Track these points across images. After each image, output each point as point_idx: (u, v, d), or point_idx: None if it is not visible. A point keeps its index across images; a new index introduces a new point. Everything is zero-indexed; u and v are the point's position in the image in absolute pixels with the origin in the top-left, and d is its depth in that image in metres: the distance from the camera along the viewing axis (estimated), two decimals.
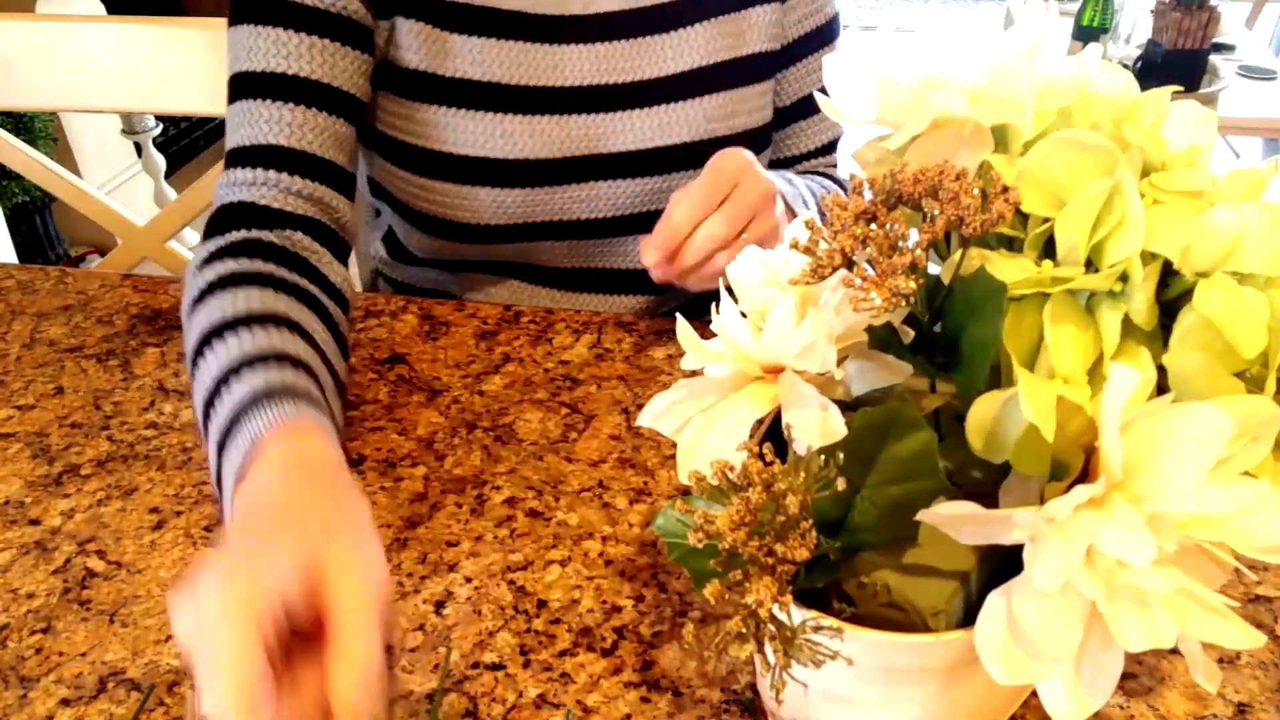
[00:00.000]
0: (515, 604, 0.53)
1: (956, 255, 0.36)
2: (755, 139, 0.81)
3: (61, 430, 0.66)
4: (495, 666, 0.49)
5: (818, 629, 0.34)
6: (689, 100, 0.77)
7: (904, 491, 0.35)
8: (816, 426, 0.36)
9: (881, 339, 0.39)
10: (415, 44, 0.72)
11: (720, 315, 0.40)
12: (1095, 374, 0.35)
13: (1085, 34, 2.33)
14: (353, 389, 0.69)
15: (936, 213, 0.34)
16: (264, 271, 0.61)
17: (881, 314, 0.38)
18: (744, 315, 0.40)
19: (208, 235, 0.66)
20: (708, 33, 0.77)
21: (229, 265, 0.61)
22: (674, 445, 0.63)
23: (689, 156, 0.78)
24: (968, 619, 0.37)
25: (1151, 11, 2.22)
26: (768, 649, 0.32)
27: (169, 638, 0.51)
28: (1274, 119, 2.21)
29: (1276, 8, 2.97)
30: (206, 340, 0.55)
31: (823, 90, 0.90)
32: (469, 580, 0.54)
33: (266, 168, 0.67)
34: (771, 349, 0.38)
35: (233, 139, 0.69)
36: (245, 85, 0.69)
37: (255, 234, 0.65)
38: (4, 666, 0.50)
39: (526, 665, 0.49)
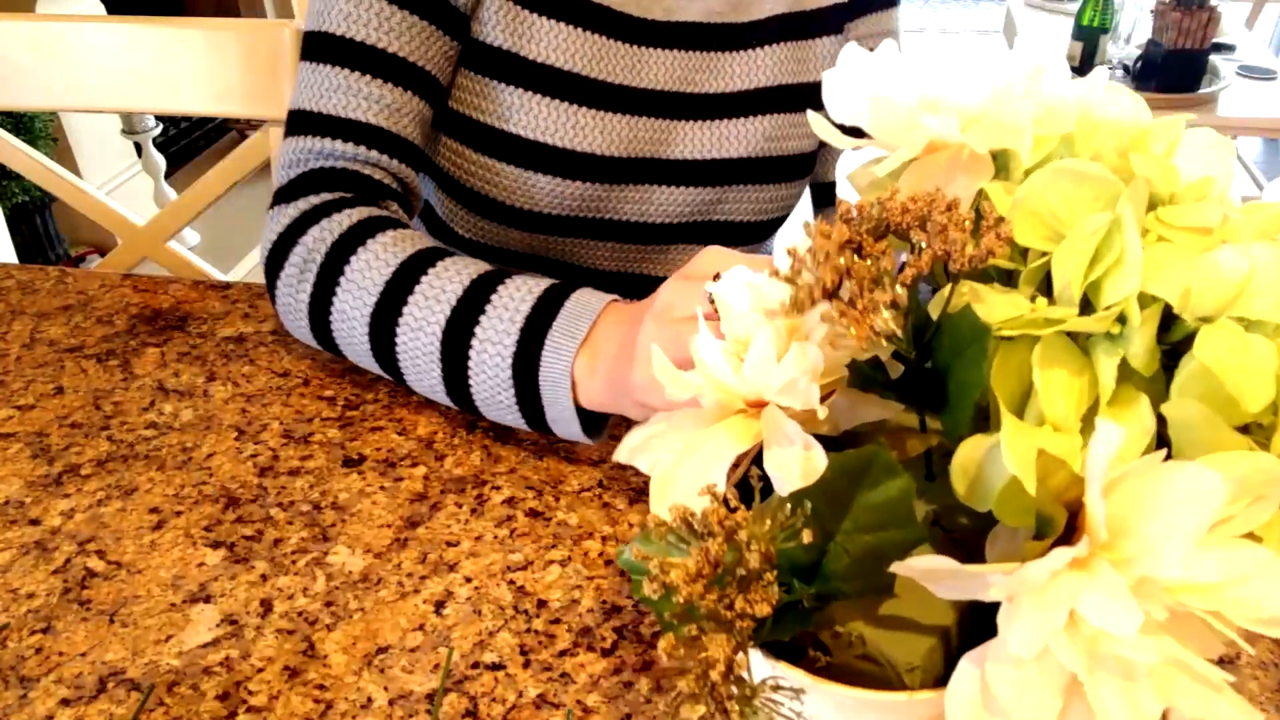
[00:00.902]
0: (515, 604, 0.53)
1: (945, 290, 0.34)
2: (803, 163, 0.84)
3: (61, 430, 0.66)
4: (495, 666, 0.49)
5: (777, 689, 0.31)
6: (750, 118, 0.79)
7: (879, 540, 0.33)
8: (799, 467, 0.33)
9: (864, 376, 0.37)
10: (499, 20, 0.72)
11: (698, 345, 0.37)
12: (1091, 420, 0.33)
13: (1085, 34, 2.34)
14: (353, 389, 0.69)
15: (924, 246, 0.32)
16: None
17: (861, 351, 0.36)
18: (724, 344, 0.38)
19: (300, 191, 0.68)
20: (776, 56, 0.79)
21: (370, 211, 0.66)
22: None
23: (742, 171, 0.80)
24: (948, 675, 0.35)
25: (1151, 11, 2.23)
26: (729, 708, 0.30)
27: (169, 637, 0.51)
28: (1274, 119, 2.21)
29: (1276, 8, 2.97)
30: (430, 258, 0.62)
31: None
32: (469, 580, 0.54)
33: (369, 147, 0.69)
34: (752, 383, 0.36)
35: (323, 103, 0.69)
36: (342, 51, 0.68)
37: (359, 198, 0.68)
38: (4, 666, 0.50)
39: (526, 665, 0.49)
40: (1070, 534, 0.31)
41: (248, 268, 2.62)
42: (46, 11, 2.21)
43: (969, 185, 0.37)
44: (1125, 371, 0.33)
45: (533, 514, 0.59)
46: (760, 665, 0.34)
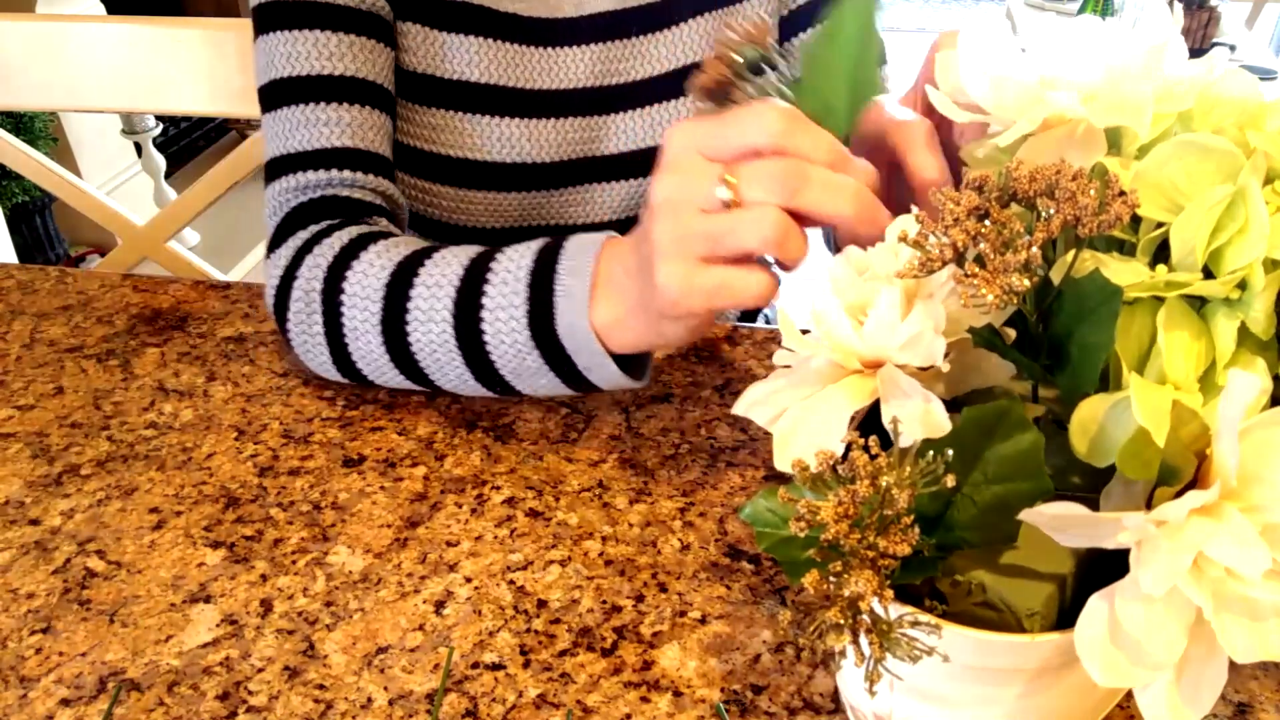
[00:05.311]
0: (515, 604, 0.53)
1: (1069, 256, 0.36)
2: None
3: (61, 430, 0.66)
4: (495, 666, 0.49)
5: (915, 624, 0.34)
6: (681, 99, 0.77)
7: (1007, 491, 0.35)
8: (920, 420, 0.35)
9: (985, 339, 0.38)
10: (413, 46, 0.72)
11: (819, 307, 0.39)
12: (1206, 382, 0.35)
13: None
14: (353, 389, 0.69)
15: (1052, 212, 0.33)
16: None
17: (992, 311, 0.38)
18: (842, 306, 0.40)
19: (287, 233, 0.67)
20: (701, 28, 0.77)
21: (355, 230, 0.65)
22: (674, 446, 0.63)
23: None
24: (1059, 622, 0.38)
25: None
26: (863, 641, 0.32)
27: (169, 637, 0.51)
28: None
29: (1276, 8, 2.97)
30: (422, 256, 0.61)
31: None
32: (469, 580, 0.54)
33: (340, 168, 0.68)
34: (875, 341, 0.38)
35: (289, 144, 0.68)
36: (292, 90, 0.68)
37: (344, 221, 0.67)
38: (4, 666, 0.50)
39: (526, 665, 0.49)
40: (1189, 487, 0.33)
41: (248, 268, 2.63)
42: (46, 11, 2.21)
43: (1083, 160, 0.39)
44: (1241, 337, 0.35)
45: (533, 514, 0.59)
46: (890, 609, 0.36)
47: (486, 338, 0.58)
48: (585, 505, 0.59)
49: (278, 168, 0.69)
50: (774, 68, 0.48)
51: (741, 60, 0.48)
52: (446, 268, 0.59)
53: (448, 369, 0.60)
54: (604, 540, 0.57)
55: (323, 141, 0.68)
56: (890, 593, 0.32)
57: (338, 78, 0.68)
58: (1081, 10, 2.40)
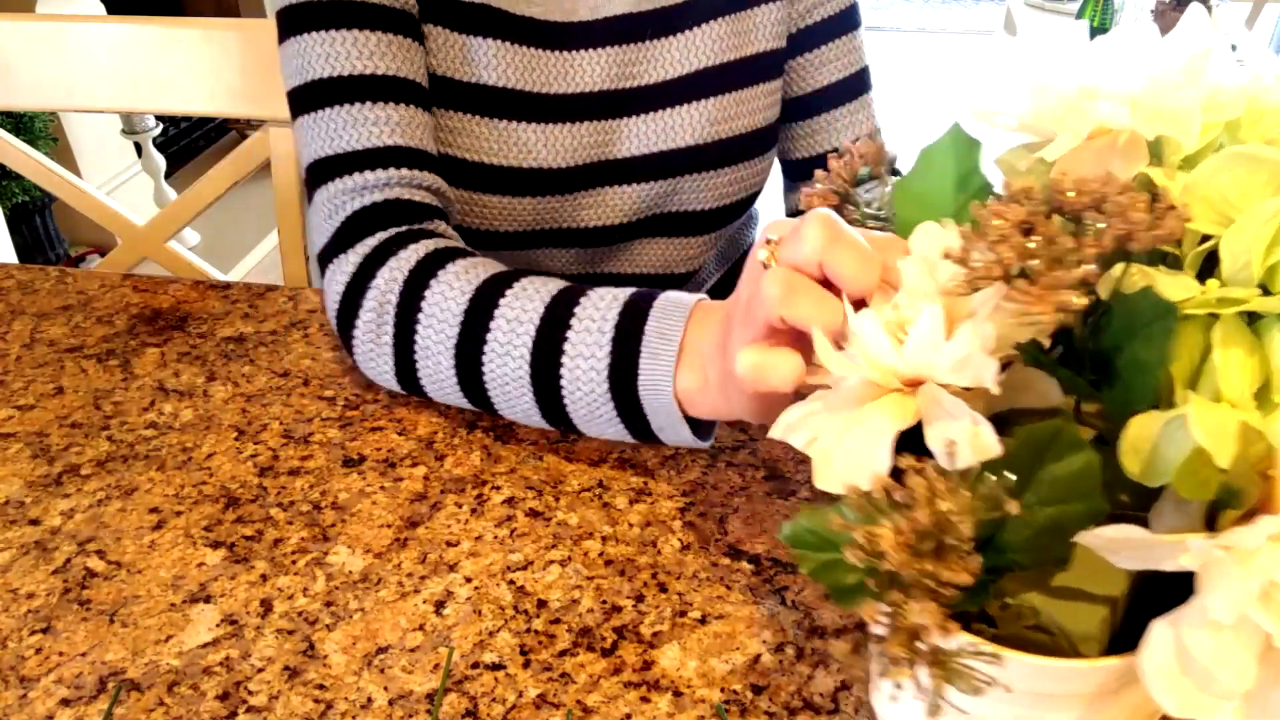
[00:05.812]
0: (515, 604, 0.53)
1: (1118, 270, 0.35)
2: (757, 140, 0.81)
3: (61, 430, 0.66)
4: (495, 666, 0.49)
5: (975, 654, 0.32)
6: (692, 103, 0.77)
7: (1060, 513, 0.34)
8: (968, 442, 0.34)
9: (1031, 356, 0.37)
10: (435, 48, 0.72)
11: (857, 324, 0.38)
12: (1261, 399, 0.34)
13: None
14: (353, 389, 0.69)
15: (1102, 226, 0.32)
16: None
17: (1046, 329, 0.36)
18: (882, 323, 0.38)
19: (353, 237, 0.65)
20: (713, 33, 0.77)
21: (430, 244, 0.64)
22: (674, 446, 0.63)
23: (693, 160, 0.78)
24: (1115, 644, 0.37)
25: (1151, 11, 2.23)
26: (932, 673, 0.31)
27: (169, 637, 0.51)
28: None
29: (1276, 8, 2.97)
30: (503, 281, 0.60)
31: (851, 80, 0.87)
32: (469, 580, 0.54)
33: (397, 167, 0.67)
34: (917, 360, 0.36)
35: (336, 144, 0.67)
36: (335, 90, 0.67)
37: (412, 229, 0.65)
38: (4, 666, 0.50)
39: (526, 665, 0.49)
40: (1253, 509, 0.32)
41: (248, 268, 2.63)
42: (46, 11, 2.21)
43: (1124, 171, 0.37)
44: None
45: (533, 514, 0.59)
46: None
47: (563, 382, 0.57)
48: (585, 505, 0.59)
49: (327, 169, 0.67)
50: (871, 206, 0.47)
51: (852, 184, 0.47)
52: (528, 302, 0.58)
53: (516, 402, 0.60)
54: (604, 540, 0.57)
55: (374, 140, 0.66)
56: (955, 625, 0.31)
57: (381, 76, 0.67)
58: (1081, 11, 2.40)
